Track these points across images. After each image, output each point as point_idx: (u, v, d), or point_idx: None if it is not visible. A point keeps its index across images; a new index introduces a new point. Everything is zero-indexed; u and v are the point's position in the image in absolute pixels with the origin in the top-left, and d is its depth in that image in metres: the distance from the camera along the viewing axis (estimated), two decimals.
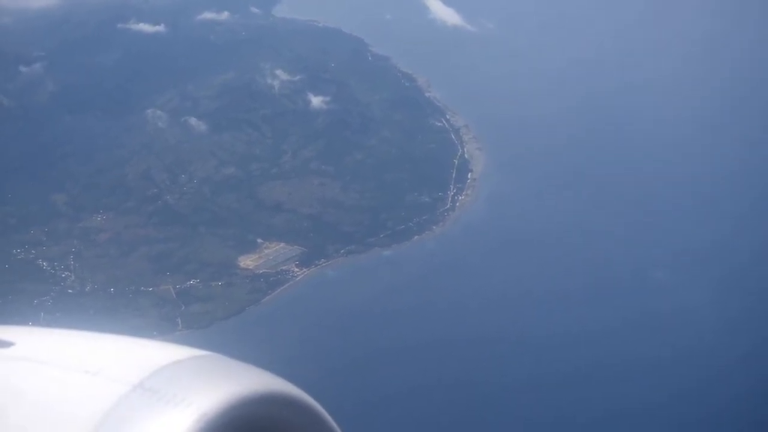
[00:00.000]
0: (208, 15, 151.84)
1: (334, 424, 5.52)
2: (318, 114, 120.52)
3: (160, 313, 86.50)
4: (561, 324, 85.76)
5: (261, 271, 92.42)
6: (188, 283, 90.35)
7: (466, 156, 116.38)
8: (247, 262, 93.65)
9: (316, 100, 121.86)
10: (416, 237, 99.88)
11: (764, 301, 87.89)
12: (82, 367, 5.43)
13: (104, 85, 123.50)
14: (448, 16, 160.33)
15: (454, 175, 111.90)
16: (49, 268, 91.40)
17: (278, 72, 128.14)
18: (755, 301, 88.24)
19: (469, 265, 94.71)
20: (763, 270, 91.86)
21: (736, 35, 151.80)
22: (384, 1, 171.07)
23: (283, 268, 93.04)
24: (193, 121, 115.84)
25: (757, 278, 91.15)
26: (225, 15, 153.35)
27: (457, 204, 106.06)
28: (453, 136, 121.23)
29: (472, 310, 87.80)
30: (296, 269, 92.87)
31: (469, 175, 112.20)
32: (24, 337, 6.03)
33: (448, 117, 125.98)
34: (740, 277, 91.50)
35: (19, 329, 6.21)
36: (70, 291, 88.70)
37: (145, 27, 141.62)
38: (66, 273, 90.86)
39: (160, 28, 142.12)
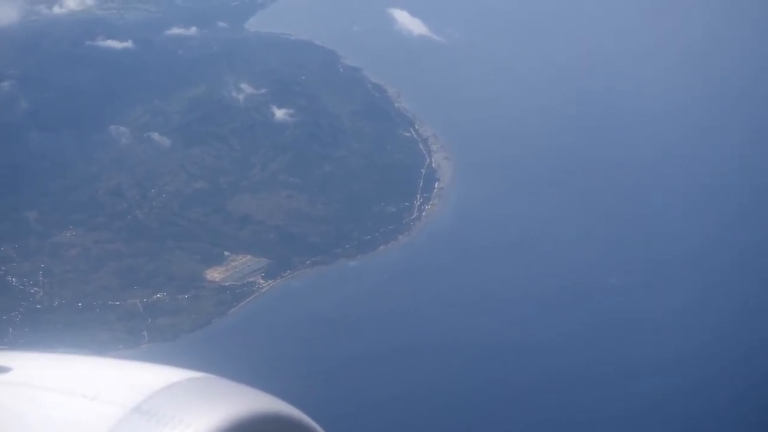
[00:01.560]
0: (176, 30, 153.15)
1: None
2: (287, 126, 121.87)
3: (127, 327, 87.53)
4: (527, 330, 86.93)
5: (227, 284, 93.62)
6: (155, 296, 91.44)
7: (433, 165, 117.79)
8: (213, 274, 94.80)
9: (279, 113, 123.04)
10: (382, 247, 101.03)
11: (735, 310, 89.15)
12: (81, 392, 5.71)
13: (75, 102, 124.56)
14: (415, 26, 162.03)
15: (421, 185, 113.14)
16: (18, 284, 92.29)
17: (243, 86, 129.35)
18: (726, 310, 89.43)
19: (433, 273, 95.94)
20: (734, 280, 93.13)
21: (711, 58, 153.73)
22: (351, 13, 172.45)
23: (249, 280, 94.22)
24: (156, 136, 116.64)
25: (728, 288, 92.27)
26: (193, 30, 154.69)
27: (423, 213, 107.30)
28: (421, 146, 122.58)
29: (436, 318, 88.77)
30: (262, 281, 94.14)
31: (436, 185, 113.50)
32: (21, 362, 6.62)
33: (416, 127, 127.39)
34: (710, 286, 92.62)
35: (15, 354, 6.82)
36: (38, 306, 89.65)
37: (114, 44, 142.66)
38: (35, 289, 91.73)
39: (129, 44, 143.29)
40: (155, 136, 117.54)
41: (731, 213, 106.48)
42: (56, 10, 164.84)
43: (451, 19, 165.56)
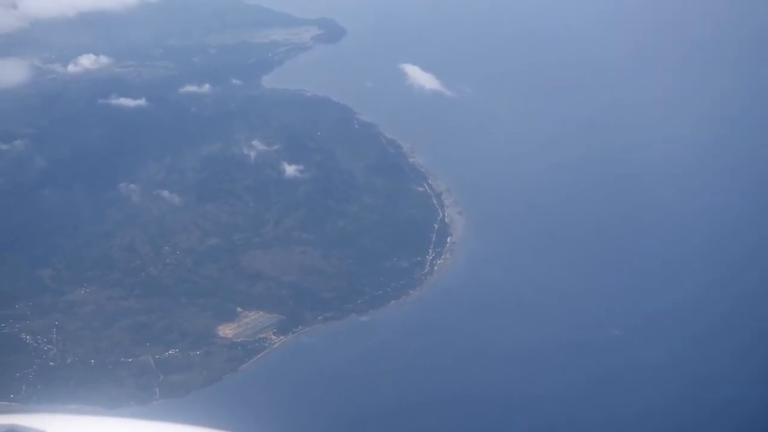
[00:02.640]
0: (190, 88, 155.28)
1: None
2: (301, 182, 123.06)
3: (138, 384, 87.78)
4: (536, 384, 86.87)
5: (239, 340, 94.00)
6: (167, 353, 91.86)
7: (446, 220, 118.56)
8: (225, 330, 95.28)
9: (292, 169, 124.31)
10: (393, 302, 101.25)
11: (726, 362, 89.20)
12: None
13: (88, 160, 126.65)
14: (427, 81, 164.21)
15: (433, 240, 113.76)
16: (32, 342, 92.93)
17: (257, 142, 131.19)
18: (718, 362, 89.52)
19: (443, 328, 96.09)
20: (726, 333, 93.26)
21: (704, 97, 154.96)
22: (365, 69, 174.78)
23: (261, 336, 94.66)
24: (170, 193, 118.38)
25: (721, 341, 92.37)
26: (207, 87, 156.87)
27: (435, 268, 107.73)
28: (434, 201, 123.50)
29: (445, 372, 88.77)
30: (273, 337, 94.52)
31: (449, 239, 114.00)
32: (55, 424, 7.18)
33: (430, 182, 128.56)
34: (703, 339, 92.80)
35: (47, 417, 7.35)
36: (51, 363, 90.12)
37: (128, 101, 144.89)
38: (48, 346, 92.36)
39: (142, 102, 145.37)
40: (169, 192, 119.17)
41: (728, 266, 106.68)
42: (71, 68, 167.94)
43: (462, 74, 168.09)
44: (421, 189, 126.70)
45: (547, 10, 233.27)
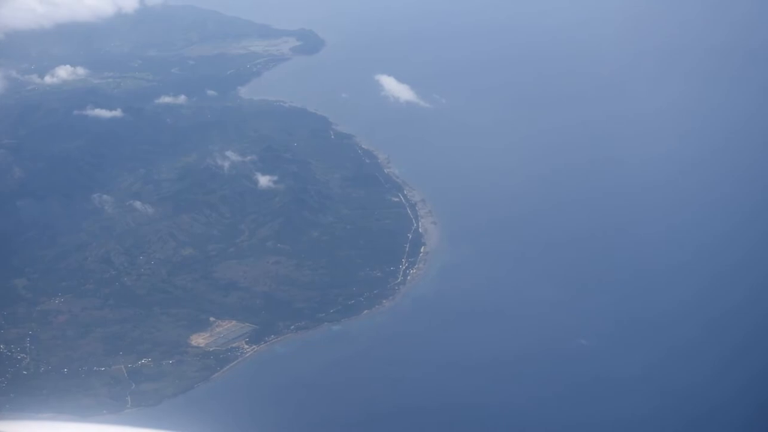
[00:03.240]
0: (165, 99, 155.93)
1: None
2: (276, 193, 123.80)
3: (111, 393, 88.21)
4: (507, 393, 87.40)
5: (212, 349, 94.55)
6: (140, 362, 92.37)
7: (420, 230, 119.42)
8: (198, 340, 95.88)
9: (266, 180, 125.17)
10: (366, 311, 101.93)
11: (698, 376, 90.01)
12: None
13: (64, 171, 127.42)
14: (402, 92, 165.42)
15: (407, 249, 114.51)
16: (5, 351, 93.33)
17: (232, 153, 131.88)
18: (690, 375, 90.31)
19: (415, 337, 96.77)
20: (699, 346, 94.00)
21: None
22: (340, 80, 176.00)
23: (234, 345, 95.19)
24: (145, 203, 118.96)
25: (694, 354, 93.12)
26: (183, 99, 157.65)
27: (408, 278, 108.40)
28: (409, 211, 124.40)
29: (417, 381, 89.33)
30: (246, 346, 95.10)
31: (422, 249, 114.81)
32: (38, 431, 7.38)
33: (405, 192, 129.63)
34: (676, 352, 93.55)
35: (21, 424, 7.57)
36: (24, 372, 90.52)
37: (103, 113, 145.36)
38: (22, 355, 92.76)
39: (118, 113, 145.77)
40: (144, 203, 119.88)
41: (705, 279, 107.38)
42: (48, 80, 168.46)
43: (437, 85, 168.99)
44: (396, 199, 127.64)
45: (523, 23, 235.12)
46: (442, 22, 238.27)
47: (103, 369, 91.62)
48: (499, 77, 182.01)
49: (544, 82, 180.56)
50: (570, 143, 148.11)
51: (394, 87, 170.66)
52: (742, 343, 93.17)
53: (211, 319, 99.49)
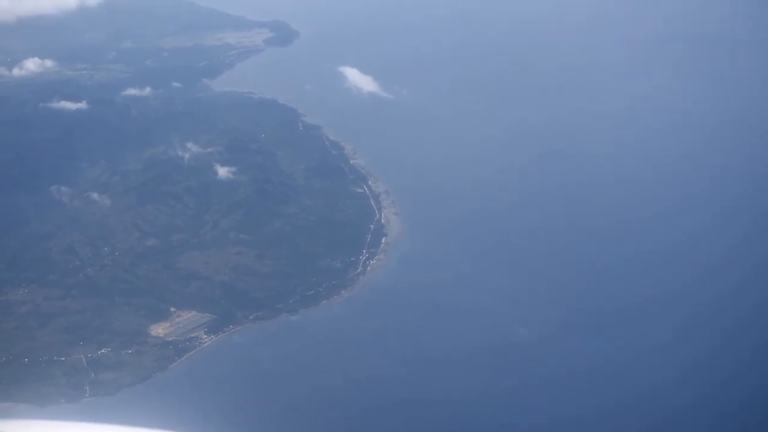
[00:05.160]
0: (135, 91, 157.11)
1: None
2: (241, 184, 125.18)
3: (70, 382, 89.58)
4: (463, 384, 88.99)
5: (170, 339, 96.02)
6: (100, 351, 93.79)
7: (382, 221, 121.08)
8: (158, 330, 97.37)
9: (230, 171, 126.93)
10: (324, 301, 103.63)
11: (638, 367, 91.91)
12: None
13: (32, 163, 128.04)
14: (366, 84, 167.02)
15: (368, 240, 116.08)
16: None
17: (199, 144, 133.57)
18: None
19: (371, 327, 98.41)
20: (648, 341, 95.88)
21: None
22: (304, 72, 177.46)
23: (192, 335, 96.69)
24: (111, 195, 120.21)
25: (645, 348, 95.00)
26: (154, 90, 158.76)
27: (368, 268, 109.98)
28: (372, 202, 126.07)
29: (370, 370, 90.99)
30: (204, 336, 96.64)
31: (383, 240, 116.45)
32: (32, 429, 7.96)
33: (369, 183, 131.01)
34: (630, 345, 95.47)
35: (26, 423, 8.20)
36: None
37: (68, 105, 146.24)
38: None
39: (83, 105, 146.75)
40: (110, 194, 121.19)
41: (668, 275, 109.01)
42: (16, 72, 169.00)
43: (398, 76, 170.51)
44: (360, 190, 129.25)
45: (492, 14, 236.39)
46: (414, 12, 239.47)
47: (63, 359, 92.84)
48: (463, 68, 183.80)
49: (509, 73, 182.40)
50: (535, 135, 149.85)
51: (357, 78, 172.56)
52: (681, 335, 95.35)
53: (172, 309, 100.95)
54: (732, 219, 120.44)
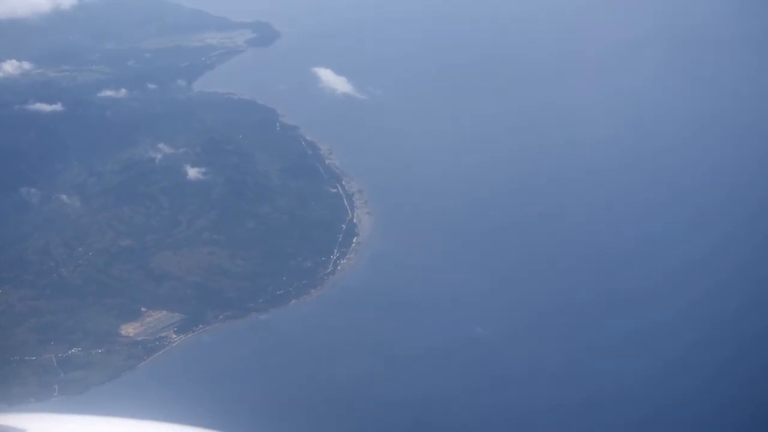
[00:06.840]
0: (115, 92, 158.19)
1: None
2: (215, 185, 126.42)
3: (39, 381, 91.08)
4: (432, 384, 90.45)
5: (140, 338, 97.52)
6: (70, 351, 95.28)
7: (354, 221, 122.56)
8: (128, 329, 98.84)
9: (201, 171, 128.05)
10: (294, 301, 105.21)
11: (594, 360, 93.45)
12: None
13: (5, 165, 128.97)
14: (339, 84, 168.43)
15: (340, 240, 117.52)
16: None
17: (176, 145, 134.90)
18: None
19: (339, 325, 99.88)
20: (610, 339, 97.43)
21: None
22: (278, 72, 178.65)
23: (162, 335, 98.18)
24: (86, 196, 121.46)
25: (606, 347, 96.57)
26: (133, 92, 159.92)
27: (339, 268, 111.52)
28: (345, 202, 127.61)
29: (336, 368, 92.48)
30: (174, 336, 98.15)
31: (355, 240, 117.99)
32: (35, 423, 8.37)
33: (343, 183, 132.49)
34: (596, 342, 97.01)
35: (29, 416, 8.67)
36: None
37: (43, 107, 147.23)
38: None
39: (58, 107, 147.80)
40: (85, 195, 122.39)
41: (638, 275, 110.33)
42: None
43: (371, 77, 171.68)
44: (333, 190, 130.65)
45: (462, 12, 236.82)
46: (397, 11, 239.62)
47: (34, 358, 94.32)
48: (437, 69, 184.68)
49: (484, 73, 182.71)
50: (510, 135, 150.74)
51: (331, 79, 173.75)
52: (649, 336, 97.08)
53: (143, 309, 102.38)
54: (714, 220, 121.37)
